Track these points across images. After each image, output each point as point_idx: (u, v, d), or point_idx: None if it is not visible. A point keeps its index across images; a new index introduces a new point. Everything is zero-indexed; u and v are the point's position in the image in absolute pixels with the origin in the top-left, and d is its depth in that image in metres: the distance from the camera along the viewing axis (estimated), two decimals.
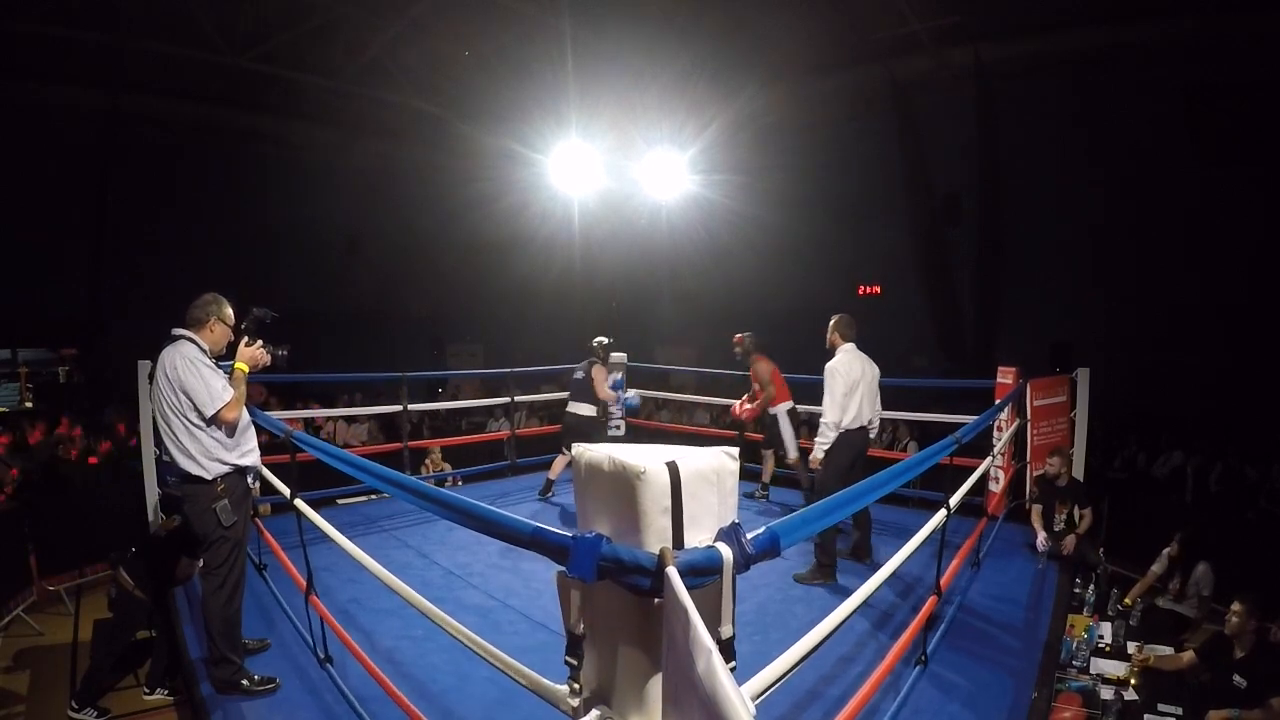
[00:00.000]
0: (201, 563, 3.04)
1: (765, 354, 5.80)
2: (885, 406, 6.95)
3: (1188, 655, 3.72)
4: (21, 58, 9.83)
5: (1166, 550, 4.87)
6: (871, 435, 4.54)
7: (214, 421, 2.89)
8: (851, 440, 4.31)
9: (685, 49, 10.09)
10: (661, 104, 9.88)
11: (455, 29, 10.48)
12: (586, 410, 5.66)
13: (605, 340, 5.95)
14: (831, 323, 4.54)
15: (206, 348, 2.98)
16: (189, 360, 2.86)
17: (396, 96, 12.19)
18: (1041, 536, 4.68)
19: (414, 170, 14.49)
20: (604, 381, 5.69)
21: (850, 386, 4.27)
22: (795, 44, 10.34)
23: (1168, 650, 3.83)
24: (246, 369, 3.06)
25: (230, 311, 3.08)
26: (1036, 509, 4.86)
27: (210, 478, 2.90)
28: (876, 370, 4.49)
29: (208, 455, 2.90)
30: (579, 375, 5.74)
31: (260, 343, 3.13)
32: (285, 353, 3.22)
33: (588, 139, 8.45)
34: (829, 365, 4.35)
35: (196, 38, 9.99)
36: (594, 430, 5.69)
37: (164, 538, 3.97)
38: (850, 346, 4.44)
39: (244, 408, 3.10)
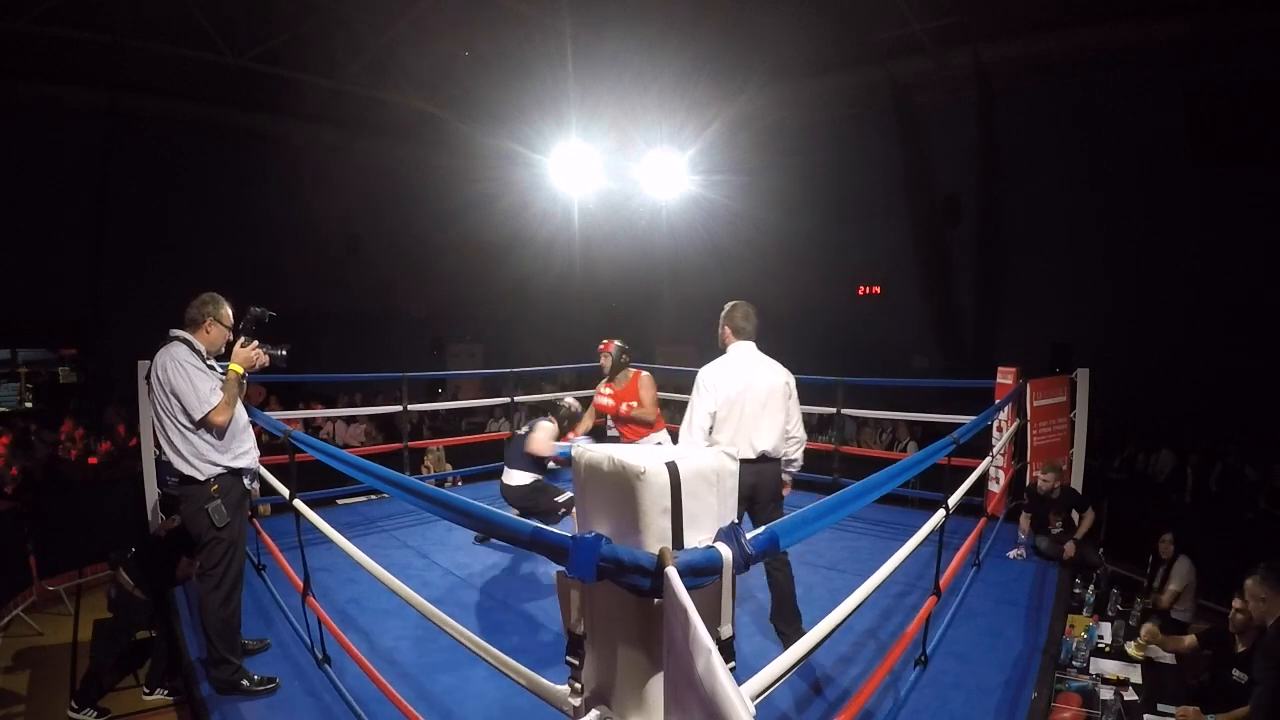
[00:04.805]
0: (198, 564, 3.04)
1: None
2: (885, 406, 7.04)
3: (1189, 639, 3.76)
4: (21, 58, 9.83)
5: (1153, 555, 4.94)
6: (790, 470, 3.42)
7: (203, 424, 2.87)
8: None
9: (685, 49, 10.09)
10: (661, 104, 9.88)
11: (455, 29, 10.47)
12: (520, 478, 4.43)
13: (574, 406, 4.90)
14: (724, 311, 3.40)
15: (202, 349, 2.96)
16: (178, 362, 2.85)
17: (396, 96, 12.19)
18: (1017, 550, 4.71)
19: (414, 170, 14.49)
20: (547, 441, 4.39)
21: (720, 403, 3.16)
22: (795, 45, 10.33)
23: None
24: (241, 370, 3.01)
25: (227, 311, 3.06)
26: (1027, 516, 4.86)
27: (203, 479, 2.90)
28: (779, 382, 3.26)
29: (200, 457, 2.89)
30: (521, 432, 4.63)
31: (256, 343, 3.08)
32: (284, 352, 3.19)
33: (587, 139, 8.47)
34: (699, 371, 3.29)
35: (196, 38, 9.98)
36: (537, 499, 4.40)
37: (163, 538, 3.97)
38: (742, 346, 3.32)
39: (242, 408, 3.09)
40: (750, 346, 3.33)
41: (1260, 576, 3.29)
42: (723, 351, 3.37)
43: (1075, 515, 4.78)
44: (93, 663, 3.90)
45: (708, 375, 3.23)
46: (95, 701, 3.78)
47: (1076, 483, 5.19)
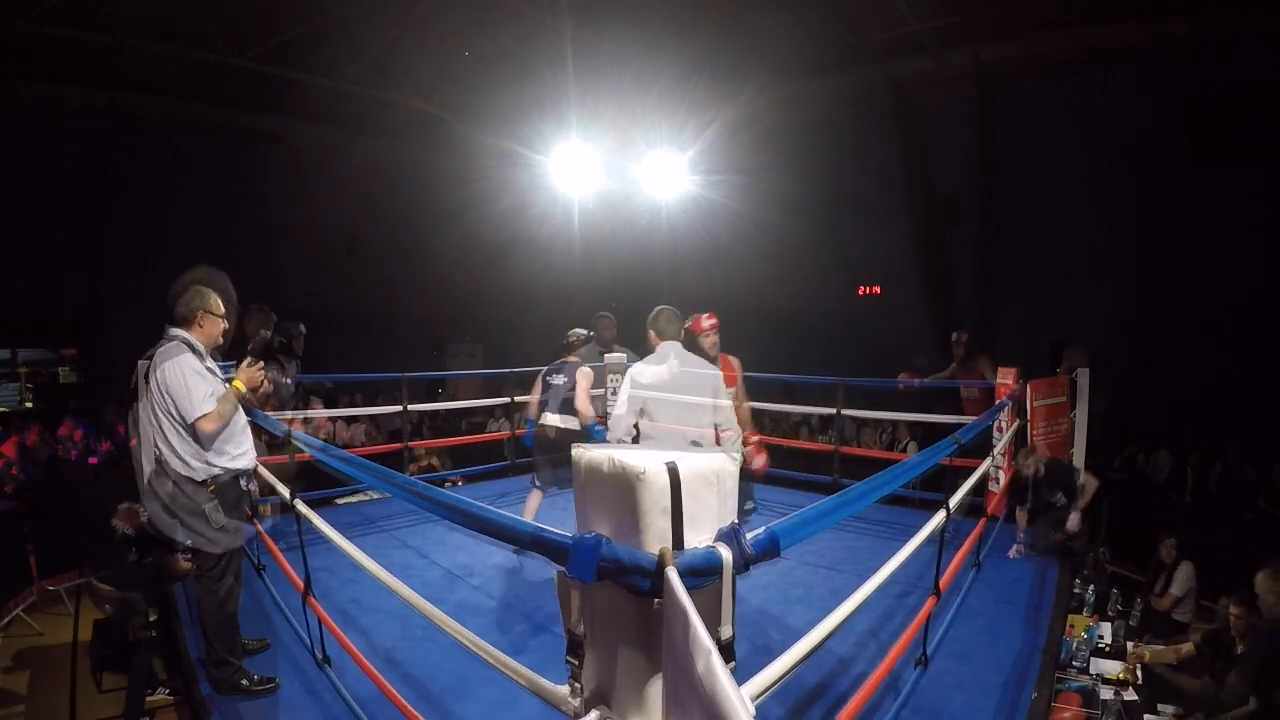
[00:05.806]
0: (195, 565, 3.04)
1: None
2: (885, 407, 7.02)
3: (1186, 647, 3.75)
4: (21, 58, 9.82)
5: (1156, 557, 4.93)
6: None
7: (191, 429, 2.87)
8: None
9: (685, 50, 10.08)
10: (661, 105, 9.88)
11: (456, 29, 10.47)
12: (568, 422, 4.48)
13: (583, 332, 4.89)
14: (649, 317, 3.64)
15: (200, 346, 2.96)
16: (175, 363, 2.85)
17: (397, 96, 12.18)
18: (1016, 548, 4.69)
19: (414, 170, 14.48)
20: (589, 401, 4.47)
21: (645, 395, 3.43)
22: (795, 45, 10.33)
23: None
24: (243, 389, 3.03)
25: (216, 301, 3.05)
26: (1023, 511, 4.84)
27: (200, 479, 2.90)
28: (705, 376, 3.51)
29: (196, 457, 2.90)
30: (560, 381, 4.59)
31: (262, 364, 3.12)
32: (289, 381, 3.24)
33: (588, 140, 8.47)
34: (629, 367, 3.65)
35: (196, 38, 9.98)
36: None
37: (132, 535, 3.95)
38: (667, 346, 3.54)
39: (241, 409, 3.10)
40: (676, 346, 3.57)
41: (1271, 572, 3.34)
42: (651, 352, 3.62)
43: (1079, 482, 4.70)
44: (134, 671, 3.78)
45: (634, 370, 3.55)
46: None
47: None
